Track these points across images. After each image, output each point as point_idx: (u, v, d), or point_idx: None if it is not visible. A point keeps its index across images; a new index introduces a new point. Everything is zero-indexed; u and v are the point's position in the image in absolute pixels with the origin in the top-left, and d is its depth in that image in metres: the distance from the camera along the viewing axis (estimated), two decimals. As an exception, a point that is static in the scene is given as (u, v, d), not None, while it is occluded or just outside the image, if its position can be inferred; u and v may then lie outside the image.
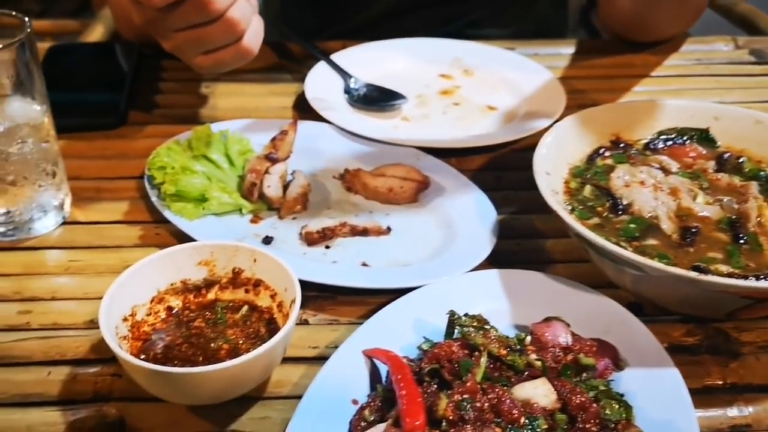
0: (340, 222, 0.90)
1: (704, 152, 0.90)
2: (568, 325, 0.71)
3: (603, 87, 1.22)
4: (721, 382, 0.72)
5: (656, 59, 1.30)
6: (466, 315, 0.71)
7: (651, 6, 1.22)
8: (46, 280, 0.84)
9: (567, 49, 1.34)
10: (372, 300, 0.80)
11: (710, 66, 1.28)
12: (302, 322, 0.79)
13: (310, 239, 0.89)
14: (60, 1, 2.88)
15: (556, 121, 0.93)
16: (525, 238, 0.90)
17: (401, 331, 0.73)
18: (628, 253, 0.70)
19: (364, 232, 0.91)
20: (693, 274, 0.67)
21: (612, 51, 1.31)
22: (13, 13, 0.83)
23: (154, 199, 0.91)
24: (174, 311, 0.74)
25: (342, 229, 0.90)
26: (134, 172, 0.99)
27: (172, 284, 0.75)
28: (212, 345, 0.70)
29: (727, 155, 0.88)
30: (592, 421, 0.62)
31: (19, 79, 0.83)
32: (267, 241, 0.89)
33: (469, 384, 0.61)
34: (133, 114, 1.13)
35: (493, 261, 0.84)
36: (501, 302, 0.77)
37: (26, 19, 0.82)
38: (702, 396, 0.70)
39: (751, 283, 0.70)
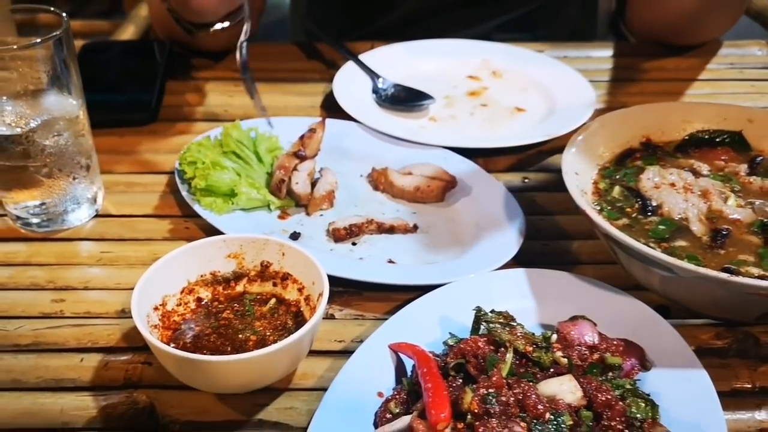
0: (367, 219, 0.91)
1: (736, 155, 0.89)
2: (595, 324, 0.71)
3: (633, 90, 1.21)
4: (749, 386, 0.71)
5: (689, 63, 1.28)
6: (492, 311, 0.71)
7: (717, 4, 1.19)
8: (78, 271, 0.85)
9: (597, 52, 1.34)
10: (398, 296, 0.80)
11: (744, 70, 1.27)
12: (328, 317, 0.79)
13: (338, 236, 0.89)
14: (90, 3, 2.93)
15: (585, 124, 0.93)
16: (552, 239, 0.90)
17: (426, 327, 0.73)
18: (658, 254, 0.69)
19: (391, 229, 0.91)
20: (724, 276, 0.66)
21: (643, 54, 1.31)
22: (51, 8, 0.85)
23: (184, 193, 0.93)
24: (203, 302, 0.76)
25: (369, 226, 0.90)
26: (164, 167, 1.01)
27: (202, 276, 0.76)
28: (240, 336, 0.71)
29: (760, 158, 0.87)
30: (617, 419, 0.61)
31: (56, 74, 0.84)
32: (294, 236, 0.90)
33: (495, 378, 0.61)
34: (164, 111, 1.15)
35: (520, 261, 0.84)
36: (527, 301, 0.76)
37: (63, 14, 0.84)
38: (730, 399, 0.69)
39: (783, 286, 0.69)
